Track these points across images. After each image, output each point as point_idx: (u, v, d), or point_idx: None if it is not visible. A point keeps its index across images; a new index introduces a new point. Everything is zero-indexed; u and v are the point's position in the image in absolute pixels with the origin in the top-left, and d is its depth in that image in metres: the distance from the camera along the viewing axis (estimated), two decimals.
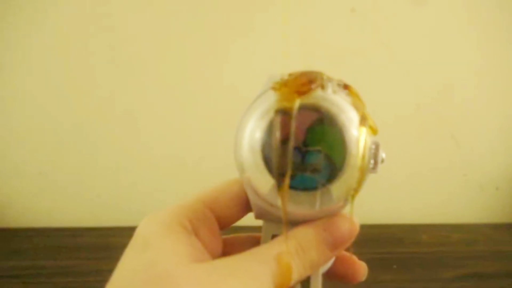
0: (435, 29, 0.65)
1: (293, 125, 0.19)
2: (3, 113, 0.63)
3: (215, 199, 0.23)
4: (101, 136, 0.65)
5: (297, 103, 0.19)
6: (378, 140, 0.20)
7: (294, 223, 0.21)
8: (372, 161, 0.20)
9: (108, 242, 0.59)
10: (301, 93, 0.20)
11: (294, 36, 0.63)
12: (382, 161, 0.20)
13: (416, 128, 0.67)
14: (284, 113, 0.19)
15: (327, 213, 0.21)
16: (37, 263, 0.54)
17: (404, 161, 0.67)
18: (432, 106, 0.67)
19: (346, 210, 0.21)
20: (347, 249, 0.22)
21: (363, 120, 0.20)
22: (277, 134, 0.19)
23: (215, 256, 0.22)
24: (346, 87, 0.21)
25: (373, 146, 0.20)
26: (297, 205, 0.20)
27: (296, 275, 0.19)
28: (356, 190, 0.20)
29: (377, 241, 0.60)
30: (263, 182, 0.20)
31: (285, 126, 0.19)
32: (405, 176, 0.68)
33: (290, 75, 0.21)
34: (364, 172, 0.20)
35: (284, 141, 0.19)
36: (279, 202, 0.20)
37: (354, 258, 0.25)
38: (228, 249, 0.24)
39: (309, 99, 0.20)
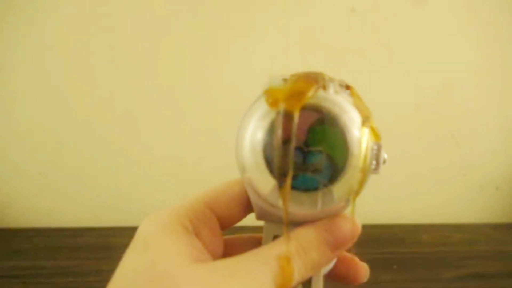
0: (435, 29, 0.65)
1: (295, 125, 0.19)
2: (3, 113, 0.63)
3: (216, 199, 0.23)
4: (101, 136, 0.65)
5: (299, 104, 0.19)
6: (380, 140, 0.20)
7: (295, 223, 0.21)
8: (374, 162, 0.20)
9: (108, 242, 0.59)
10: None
11: (294, 36, 0.63)
12: (384, 161, 0.20)
13: (416, 128, 0.67)
14: (285, 114, 0.19)
15: (328, 213, 0.21)
16: (37, 263, 0.54)
17: (404, 161, 0.67)
18: (432, 106, 0.67)
19: (348, 210, 0.21)
20: (349, 250, 0.22)
21: (365, 120, 0.20)
22: (279, 134, 0.19)
23: (216, 256, 0.22)
24: (348, 87, 0.21)
25: (375, 147, 0.20)
26: (299, 205, 0.20)
27: (298, 276, 0.19)
28: (358, 191, 0.20)
29: (377, 241, 0.60)
30: (264, 182, 0.20)
31: (286, 126, 0.19)
32: (405, 176, 0.68)
33: (292, 76, 0.21)
34: (365, 172, 0.20)
35: (286, 141, 0.19)
36: (280, 202, 0.20)
37: (356, 259, 0.25)
38: (229, 250, 0.24)
39: (311, 99, 0.20)
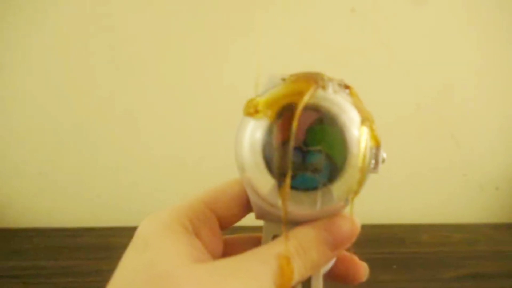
0: (435, 29, 0.65)
1: (294, 125, 0.19)
2: (3, 113, 0.63)
3: (216, 199, 0.23)
4: (101, 136, 0.65)
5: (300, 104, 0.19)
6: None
7: (294, 223, 0.21)
8: (373, 161, 0.20)
9: (108, 242, 0.59)
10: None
11: (294, 36, 0.63)
12: (383, 161, 0.20)
13: (416, 128, 0.67)
14: (285, 113, 0.19)
15: (327, 213, 0.21)
16: (37, 263, 0.54)
17: (404, 161, 0.67)
18: (432, 106, 0.67)
19: (347, 210, 0.21)
20: (348, 249, 0.22)
21: (364, 120, 0.20)
22: (278, 134, 0.19)
23: (216, 256, 0.22)
24: (347, 87, 0.21)
25: (374, 146, 0.20)
26: (298, 205, 0.20)
27: (297, 275, 0.19)
28: (357, 190, 0.20)
29: (377, 241, 0.60)
30: (263, 182, 0.20)
31: (286, 126, 0.19)
32: (405, 176, 0.68)
33: (291, 76, 0.21)
34: (365, 172, 0.20)
35: (285, 141, 0.19)
36: (279, 202, 0.20)
37: (355, 258, 0.25)
38: (229, 250, 0.24)
39: (310, 99, 0.20)
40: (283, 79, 0.21)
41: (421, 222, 0.67)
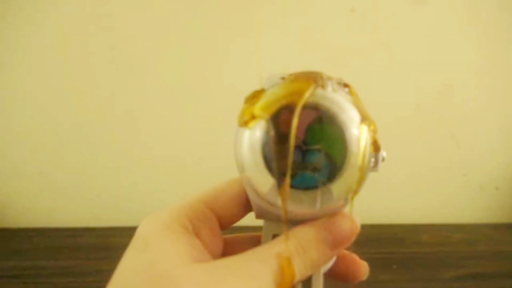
0: (435, 29, 0.65)
1: (294, 124, 0.19)
2: (3, 113, 0.63)
3: (216, 199, 0.23)
4: (101, 136, 0.65)
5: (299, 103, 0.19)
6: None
7: (294, 222, 0.21)
8: (372, 160, 0.20)
9: (108, 242, 0.59)
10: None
11: (294, 36, 0.63)
12: (383, 160, 0.20)
13: (416, 128, 0.67)
14: (284, 112, 0.19)
15: (327, 212, 0.21)
16: (37, 263, 0.54)
17: (404, 161, 0.67)
18: (432, 106, 0.67)
19: (347, 209, 0.21)
20: (348, 249, 0.22)
21: (364, 119, 0.20)
22: (277, 134, 0.19)
23: (216, 256, 0.22)
24: (346, 86, 0.21)
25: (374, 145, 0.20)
26: (298, 204, 0.20)
27: (297, 274, 0.19)
28: (357, 189, 0.20)
29: (377, 241, 0.60)
30: (263, 181, 0.20)
31: (285, 125, 0.19)
32: (405, 176, 0.68)
33: (290, 75, 0.21)
34: (364, 171, 0.20)
35: (284, 140, 0.19)
36: (279, 201, 0.20)
37: (355, 257, 0.25)
38: (228, 249, 0.24)
39: (309, 98, 0.20)
40: (283, 78, 0.21)
41: (421, 222, 0.67)
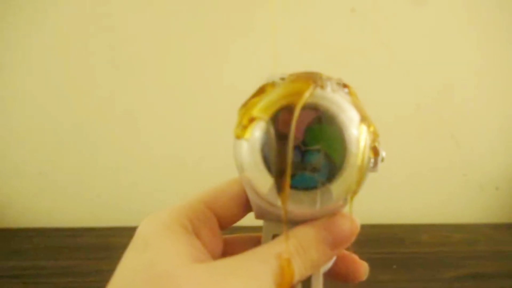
0: (435, 29, 0.65)
1: (293, 124, 0.19)
2: (3, 113, 0.63)
3: (216, 199, 0.23)
4: (101, 136, 0.65)
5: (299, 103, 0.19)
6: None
7: (294, 222, 0.21)
8: (372, 160, 0.20)
9: (108, 242, 0.59)
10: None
11: (294, 36, 0.63)
12: (382, 160, 0.20)
13: (416, 128, 0.67)
14: (284, 112, 0.19)
15: (327, 212, 0.21)
16: (37, 263, 0.54)
17: (404, 161, 0.67)
18: (432, 106, 0.67)
19: (346, 209, 0.21)
20: (348, 249, 0.22)
21: (363, 119, 0.20)
22: (277, 134, 0.19)
23: (216, 256, 0.22)
24: (345, 86, 0.21)
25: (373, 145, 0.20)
26: (297, 204, 0.20)
27: (297, 274, 0.19)
28: (356, 189, 0.20)
29: (377, 241, 0.60)
30: (262, 181, 0.20)
31: (284, 126, 0.19)
32: (405, 176, 0.68)
33: (290, 75, 0.21)
34: (364, 171, 0.20)
35: (284, 140, 0.19)
36: (279, 201, 0.20)
37: (355, 257, 0.25)
38: (228, 249, 0.24)
39: (308, 98, 0.20)
40: (282, 79, 0.21)
41: (421, 222, 0.67)
